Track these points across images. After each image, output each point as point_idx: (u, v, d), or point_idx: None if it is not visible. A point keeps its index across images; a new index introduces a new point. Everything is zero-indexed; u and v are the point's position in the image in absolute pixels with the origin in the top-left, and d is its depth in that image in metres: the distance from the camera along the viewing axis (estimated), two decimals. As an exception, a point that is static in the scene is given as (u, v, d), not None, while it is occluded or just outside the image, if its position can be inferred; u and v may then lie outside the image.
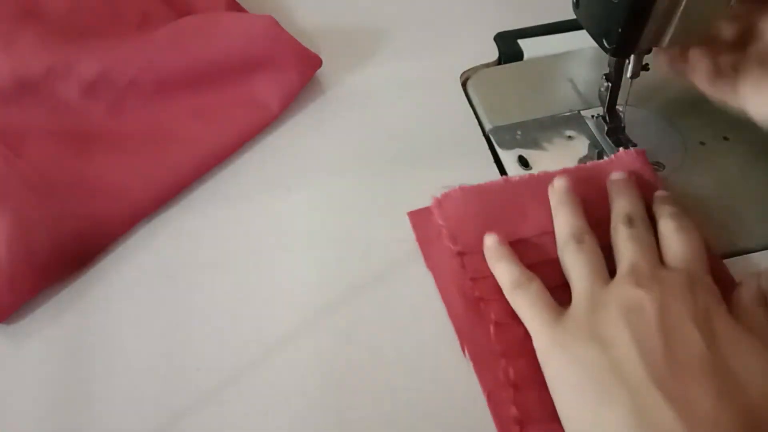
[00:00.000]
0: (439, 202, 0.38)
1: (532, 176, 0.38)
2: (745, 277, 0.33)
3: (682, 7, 0.32)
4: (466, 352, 0.33)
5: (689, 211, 0.35)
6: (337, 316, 0.35)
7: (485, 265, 0.35)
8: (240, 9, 0.52)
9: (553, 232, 0.35)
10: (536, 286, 0.32)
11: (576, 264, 0.33)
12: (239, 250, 0.38)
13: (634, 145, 0.40)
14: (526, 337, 0.32)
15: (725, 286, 0.32)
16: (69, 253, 0.37)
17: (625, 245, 0.32)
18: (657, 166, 0.40)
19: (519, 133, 0.43)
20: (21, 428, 0.32)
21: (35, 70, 0.44)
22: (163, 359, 0.34)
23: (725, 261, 0.35)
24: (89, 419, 0.32)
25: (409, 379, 0.32)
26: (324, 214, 0.40)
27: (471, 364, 0.32)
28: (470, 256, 0.35)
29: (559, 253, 0.34)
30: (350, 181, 0.41)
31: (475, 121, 0.45)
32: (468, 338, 0.33)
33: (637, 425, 0.26)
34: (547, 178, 0.37)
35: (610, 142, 0.41)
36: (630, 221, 0.33)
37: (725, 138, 0.42)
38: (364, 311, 0.35)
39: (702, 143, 0.42)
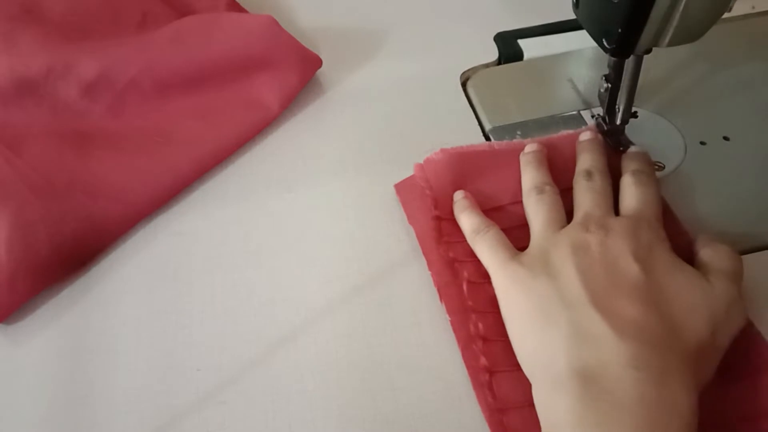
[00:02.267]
0: (422, 167, 0.39)
1: (513, 146, 0.40)
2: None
3: (682, 7, 0.32)
4: (443, 305, 0.34)
5: (688, 210, 0.35)
6: (337, 316, 0.35)
7: (460, 230, 0.37)
8: (240, 9, 0.52)
9: None
10: (494, 231, 0.35)
11: (536, 212, 0.35)
12: (239, 250, 0.38)
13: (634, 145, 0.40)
14: (495, 295, 0.33)
15: (679, 240, 0.34)
16: (69, 253, 0.37)
17: (582, 196, 0.35)
18: (657, 166, 0.40)
19: (519, 133, 0.43)
20: (21, 428, 0.32)
21: (35, 70, 0.44)
22: (163, 359, 0.34)
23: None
24: (89, 419, 0.32)
25: (409, 379, 0.32)
26: (324, 214, 0.40)
27: (449, 319, 0.34)
28: (447, 222, 0.37)
29: (524, 204, 0.37)
30: (350, 181, 0.41)
31: (475, 121, 0.45)
32: (444, 294, 0.35)
33: (574, 338, 0.28)
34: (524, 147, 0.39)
35: (609, 142, 0.41)
36: (589, 175, 0.36)
37: (725, 138, 0.42)
38: (364, 311, 0.35)
39: (702, 143, 0.42)
